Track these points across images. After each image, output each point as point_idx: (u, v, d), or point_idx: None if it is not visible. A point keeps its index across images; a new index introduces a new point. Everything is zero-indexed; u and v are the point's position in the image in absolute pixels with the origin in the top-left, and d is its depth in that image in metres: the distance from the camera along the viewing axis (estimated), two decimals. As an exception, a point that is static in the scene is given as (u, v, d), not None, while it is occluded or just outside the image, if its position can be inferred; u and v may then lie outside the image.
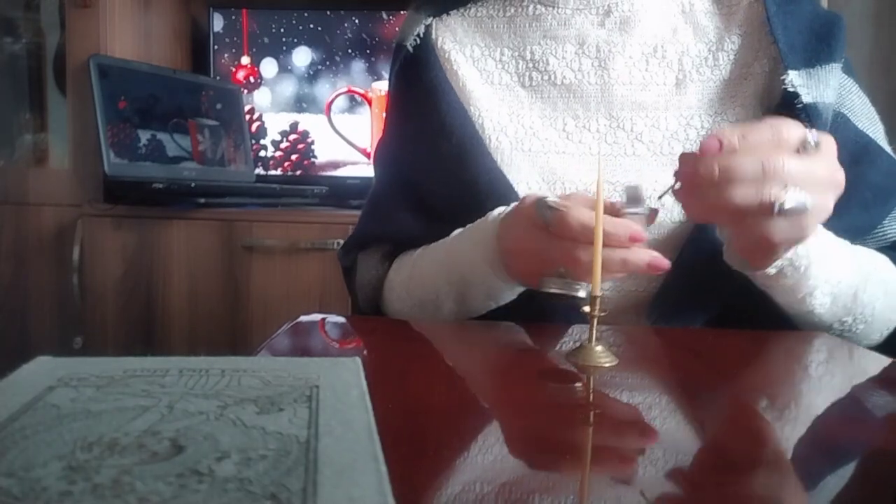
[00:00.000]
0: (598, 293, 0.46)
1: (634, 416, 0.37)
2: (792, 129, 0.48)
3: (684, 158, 0.50)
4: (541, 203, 0.52)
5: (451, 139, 0.69)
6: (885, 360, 0.51)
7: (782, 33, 0.65)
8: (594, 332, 0.46)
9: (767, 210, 0.47)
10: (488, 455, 0.32)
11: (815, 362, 0.55)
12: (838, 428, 0.37)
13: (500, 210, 0.61)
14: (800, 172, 0.47)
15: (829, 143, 0.48)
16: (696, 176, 0.48)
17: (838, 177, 0.49)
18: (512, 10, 0.73)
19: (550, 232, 0.52)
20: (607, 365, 0.45)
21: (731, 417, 0.39)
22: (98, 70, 1.48)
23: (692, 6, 0.70)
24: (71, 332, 1.51)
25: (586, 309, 0.46)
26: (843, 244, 0.60)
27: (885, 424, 0.38)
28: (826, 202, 0.49)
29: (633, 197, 0.53)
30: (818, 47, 0.65)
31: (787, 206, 0.46)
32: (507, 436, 0.34)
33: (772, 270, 0.54)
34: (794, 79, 0.63)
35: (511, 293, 0.63)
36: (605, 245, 0.47)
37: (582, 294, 0.48)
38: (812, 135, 0.47)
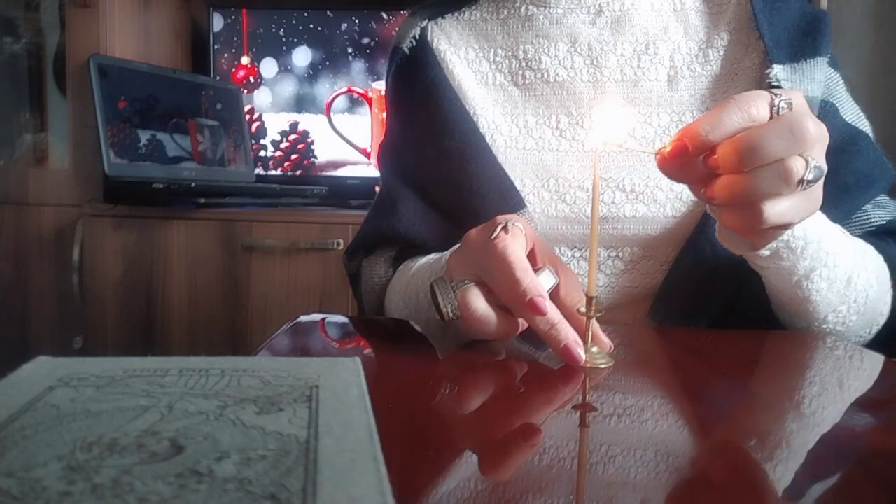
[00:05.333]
0: (594, 293, 0.46)
1: (631, 417, 0.37)
2: (760, 101, 0.43)
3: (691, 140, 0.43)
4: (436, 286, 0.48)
5: (453, 136, 0.69)
6: (884, 359, 0.51)
7: (768, 29, 0.66)
8: (590, 332, 0.46)
9: (791, 187, 0.42)
10: (486, 455, 0.32)
11: (815, 362, 0.55)
12: (839, 427, 0.37)
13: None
14: (815, 137, 0.42)
15: (799, 99, 0.44)
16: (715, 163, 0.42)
17: (823, 130, 0.44)
18: (505, 13, 0.74)
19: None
20: (604, 366, 0.45)
21: (729, 418, 0.39)
22: (98, 70, 1.48)
23: (683, 4, 0.71)
24: (71, 332, 1.51)
25: (582, 309, 0.46)
26: (836, 227, 0.58)
27: (885, 424, 0.38)
28: (825, 162, 0.45)
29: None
30: (803, 42, 0.66)
31: (810, 176, 0.42)
32: (505, 436, 0.34)
33: (766, 252, 0.52)
34: (779, 73, 0.64)
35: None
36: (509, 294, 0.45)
37: (445, 310, 0.47)
38: (781, 98, 0.43)
